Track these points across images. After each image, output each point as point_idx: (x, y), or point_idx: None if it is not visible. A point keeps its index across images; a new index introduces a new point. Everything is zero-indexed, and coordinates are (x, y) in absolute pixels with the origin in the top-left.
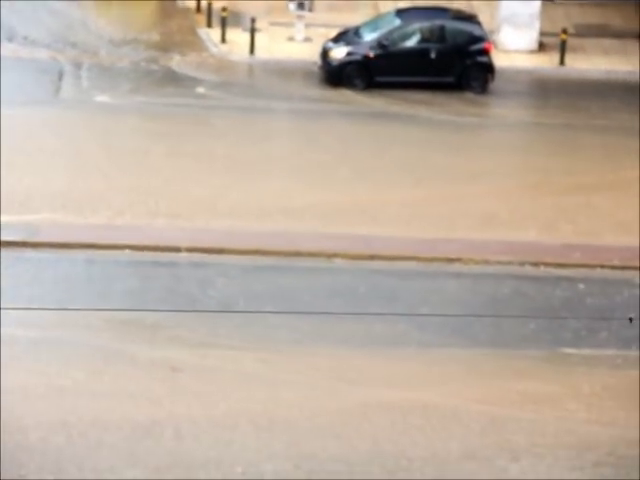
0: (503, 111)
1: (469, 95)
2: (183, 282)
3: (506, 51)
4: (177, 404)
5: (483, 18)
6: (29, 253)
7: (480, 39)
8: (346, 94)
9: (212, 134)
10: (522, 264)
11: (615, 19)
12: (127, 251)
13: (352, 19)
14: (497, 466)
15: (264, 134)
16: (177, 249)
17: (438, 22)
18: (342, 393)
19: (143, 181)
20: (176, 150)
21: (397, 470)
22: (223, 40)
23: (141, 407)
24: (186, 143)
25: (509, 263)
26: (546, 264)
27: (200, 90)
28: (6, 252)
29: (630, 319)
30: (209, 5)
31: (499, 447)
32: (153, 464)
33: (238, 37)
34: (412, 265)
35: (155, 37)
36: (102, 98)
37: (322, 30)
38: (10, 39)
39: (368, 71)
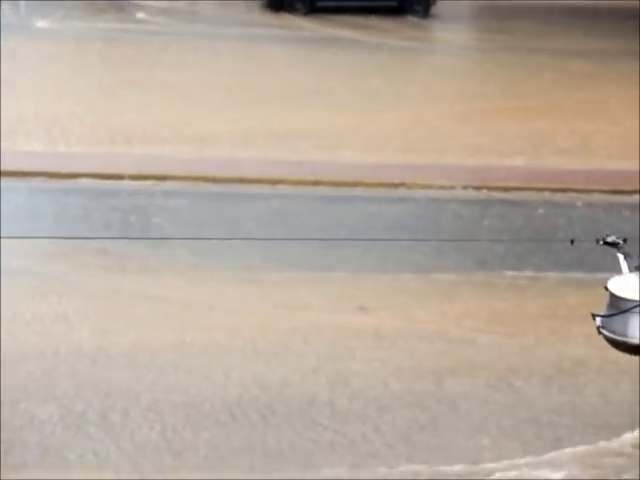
0: (444, 35)
1: (412, 19)
2: (127, 210)
3: None
4: (123, 331)
5: None
6: None
7: None
8: (288, 19)
9: (153, 60)
10: (465, 188)
11: None
12: (70, 179)
13: None
14: (443, 384)
15: (205, 60)
16: (120, 176)
17: None
18: (287, 317)
19: (83, 107)
20: (116, 76)
21: (341, 387)
22: None
23: (87, 334)
24: (126, 69)
25: (452, 187)
26: (489, 188)
27: (141, 15)
28: None
29: (571, 241)
30: None
31: (440, 365)
32: (102, 390)
33: None
34: (357, 191)
35: None
36: (42, 24)
37: None
38: None
39: None
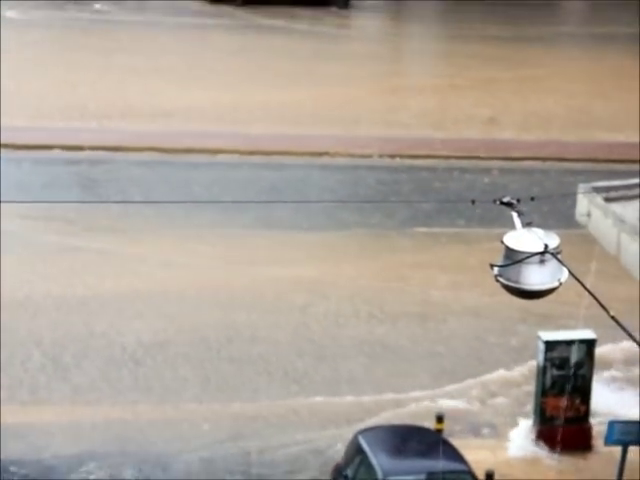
0: (361, 23)
1: (333, 9)
2: (87, 177)
3: None
4: (87, 282)
5: None
6: None
7: None
8: (226, 9)
9: (106, 45)
10: (381, 156)
11: None
12: (34, 151)
13: None
14: (366, 329)
15: (152, 44)
16: (81, 148)
17: None
18: (233, 271)
19: (46, 87)
20: (74, 59)
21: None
22: None
23: (59, 285)
24: (83, 53)
25: (370, 156)
26: (401, 156)
27: (97, 6)
28: None
29: (472, 201)
30: None
31: (369, 313)
32: (70, 334)
33: None
34: (287, 159)
35: None
36: (10, 14)
37: None
38: None
39: None
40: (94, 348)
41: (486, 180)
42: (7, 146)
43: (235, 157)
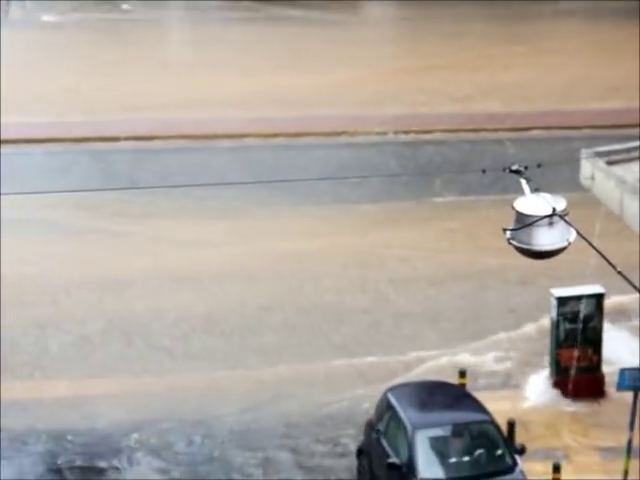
0: (374, 10)
1: None
2: (124, 165)
3: None
4: (122, 264)
5: None
6: None
7: None
8: (245, 3)
9: (136, 41)
10: (396, 133)
11: None
12: (77, 143)
13: None
14: (382, 292)
15: (181, 39)
16: (116, 139)
17: None
18: (259, 246)
19: (87, 83)
20: (109, 56)
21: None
22: None
23: (93, 268)
24: (119, 50)
25: (385, 133)
26: (415, 132)
27: (125, 6)
28: None
29: (483, 171)
30: None
31: (383, 277)
32: (110, 314)
33: None
34: (309, 139)
35: None
36: (46, 17)
37: None
38: None
39: None
40: (139, 324)
41: (497, 150)
42: (49, 140)
43: (260, 140)
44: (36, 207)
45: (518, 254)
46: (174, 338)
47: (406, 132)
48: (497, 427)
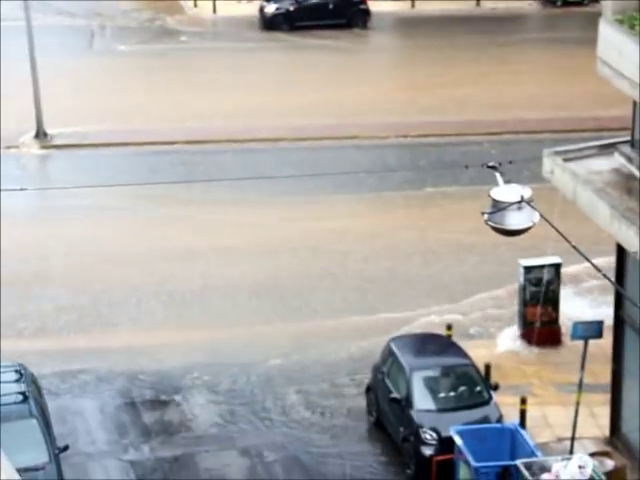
0: (378, 39)
1: (356, 30)
2: (181, 164)
3: (377, 0)
4: (181, 238)
5: None
6: (78, 151)
7: None
8: (277, 35)
9: (193, 66)
10: (397, 137)
11: None
12: (143, 146)
13: None
14: (383, 266)
15: (227, 63)
16: (176, 142)
17: None
18: (291, 227)
19: (153, 98)
20: (172, 78)
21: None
22: (195, 5)
23: (154, 243)
24: (178, 73)
25: (388, 137)
26: (412, 136)
27: (183, 38)
28: (61, 151)
29: (466, 166)
30: None
31: (392, 250)
32: (175, 278)
33: (204, 2)
34: (326, 142)
35: (151, 6)
36: (122, 47)
37: None
38: (45, 12)
39: (291, 19)
40: (193, 289)
41: (475, 149)
42: (122, 144)
43: (291, 143)
44: (123, 197)
45: (494, 232)
46: (226, 299)
47: (405, 136)
48: (476, 369)
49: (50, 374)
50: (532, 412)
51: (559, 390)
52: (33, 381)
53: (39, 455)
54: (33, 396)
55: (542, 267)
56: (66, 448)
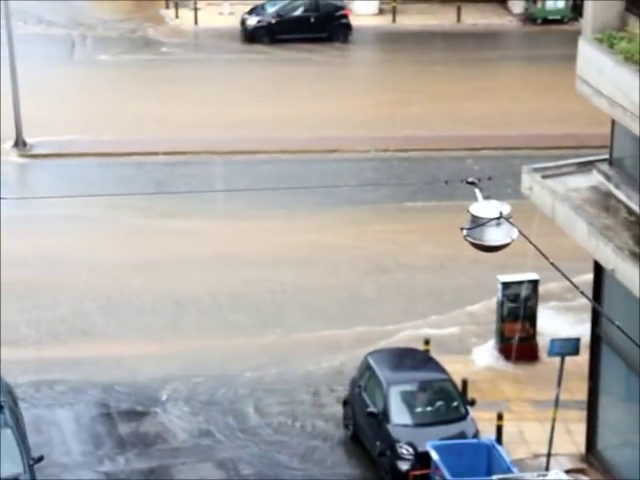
0: (359, 53)
1: (337, 44)
2: (162, 176)
3: (358, 15)
4: (158, 249)
5: None
6: (57, 161)
7: (342, 8)
8: (258, 48)
9: (174, 77)
10: (377, 151)
11: None
12: (122, 157)
13: None
14: (360, 280)
15: (207, 75)
16: (156, 153)
17: None
18: (268, 240)
19: (134, 109)
20: (153, 88)
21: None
22: (177, 16)
23: (132, 253)
24: (159, 83)
25: (368, 151)
26: (392, 150)
27: (164, 49)
28: (41, 161)
29: (445, 182)
30: None
31: (369, 264)
32: (147, 292)
33: (186, 14)
34: (306, 156)
35: (133, 17)
36: (103, 57)
37: (240, 7)
38: (25, 21)
39: (272, 32)
40: (170, 300)
41: (454, 164)
42: (100, 154)
43: (272, 155)
44: (101, 207)
45: (472, 248)
46: (203, 311)
47: (385, 150)
48: (453, 384)
49: (26, 384)
50: (508, 428)
51: (536, 406)
52: (8, 391)
53: (13, 465)
54: (8, 406)
55: (520, 283)
56: (41, 459)
